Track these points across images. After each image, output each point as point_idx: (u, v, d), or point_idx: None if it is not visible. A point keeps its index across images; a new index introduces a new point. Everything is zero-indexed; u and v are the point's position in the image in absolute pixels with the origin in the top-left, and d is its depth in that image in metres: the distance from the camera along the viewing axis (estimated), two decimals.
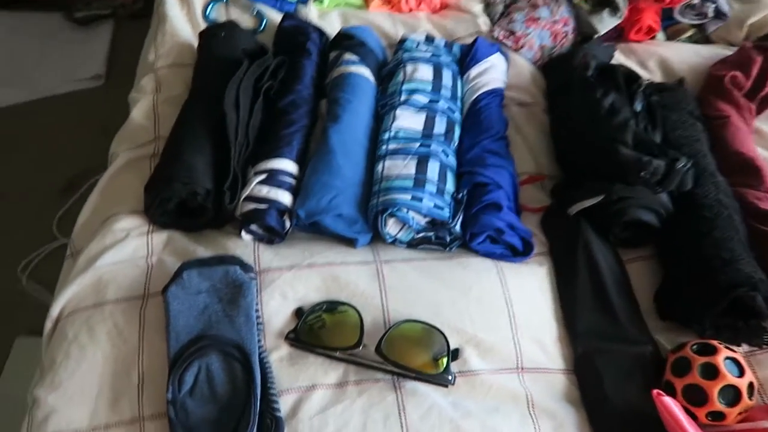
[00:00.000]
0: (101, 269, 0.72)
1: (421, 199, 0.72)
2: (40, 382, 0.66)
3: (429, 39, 0.92)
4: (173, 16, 0.97)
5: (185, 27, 0.97)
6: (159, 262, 0.73)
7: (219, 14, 1.00)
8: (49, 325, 0.72)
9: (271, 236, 0.74)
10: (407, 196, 0.71)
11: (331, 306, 0.68)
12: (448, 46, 0.93)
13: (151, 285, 0.71)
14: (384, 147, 0.78)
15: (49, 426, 0.62)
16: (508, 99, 0.92)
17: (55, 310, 0.72)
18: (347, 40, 0.90)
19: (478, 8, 1.02)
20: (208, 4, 0.99)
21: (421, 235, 0.73)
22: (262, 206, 0.72)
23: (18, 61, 1.73)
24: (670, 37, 1.05)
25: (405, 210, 0.71)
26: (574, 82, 0.84)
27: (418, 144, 0.77)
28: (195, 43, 0.93)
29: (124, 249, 0.74)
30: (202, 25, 0.97)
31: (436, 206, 0.72)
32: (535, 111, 0.93)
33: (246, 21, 0.99)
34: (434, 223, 0.73)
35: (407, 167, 0.74)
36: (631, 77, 0.85)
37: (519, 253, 0.74)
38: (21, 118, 1.64)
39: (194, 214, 0.75)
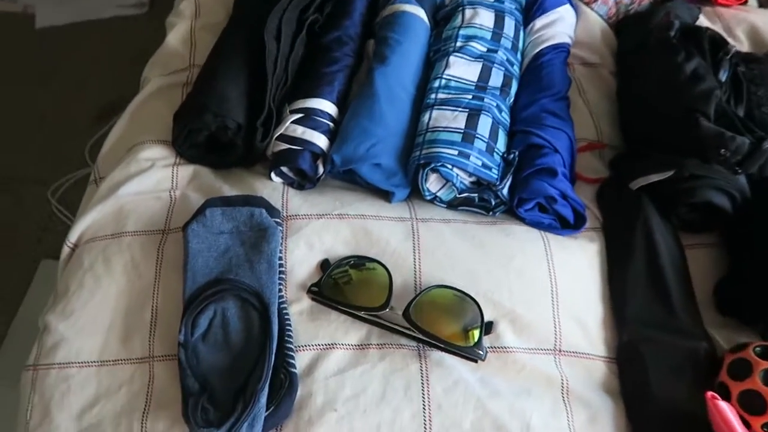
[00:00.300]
0: (123, 198, 0.69)
1: (468, 156, 0.65)
2: (52, 307, 0.63)
3: None
4: None
5: None
6: (182, 197, 0.69)
7: None
8: (66, 250, 0.69)
9: (302, 181, 0.69)
10: (453, 152, 0.65)
11: (360, 262, 0.63)
12: None
13: (172, 220, 0.67)
14: (433, 96, 0.71)
15: (58, 354, 0.60)
16: (573, 57, 0.84)
17: (73, 236, 0.69)
18: None
19: None
20: None
21: (464, 195, 0.67)
22: (296, 147, 0.67)
23: None
24: (764, 3, 0.94)
25: (450, 166, 0.65)
26: (653, 42, 0.75)
27: (470, 96, 0.70)
28: None
29: (148, 179, 0.70)
30: None
31: (484, 165, 0.66)
32: (602, 73, 0.84)
33: None
34: (480, 184, 0.67)
35: (456, 120, 0.68)
36: (717, 43, 0.76)
37: (569, 225, 0.68)
38: (62, 40, 1.62)
39: (223, 150, 0.71)
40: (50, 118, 1.50)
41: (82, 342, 0.61)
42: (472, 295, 0.61)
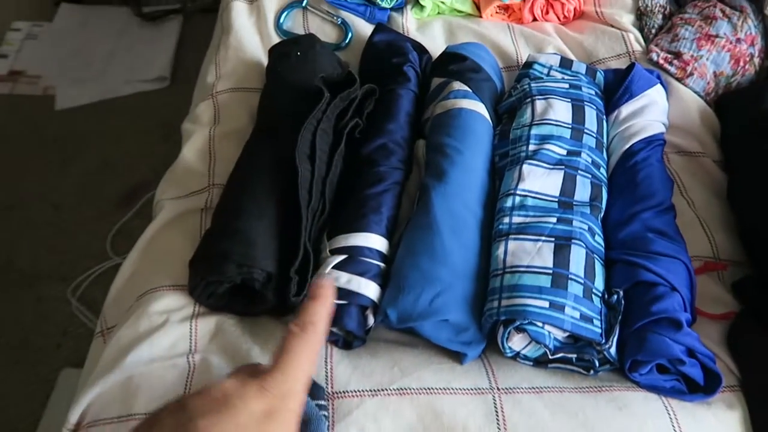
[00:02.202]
0: (131, 368, 0.56)
1: (562, 308, 0.50)
2: None
3: (565, 62, 0.69)
4: (240, 26, 0.79)
5: (253, 39, 0.79)
6: (202, 363, 0.56)
7: (295, 23, 0.81)
8: None
9: (348, 337, 0.55)
10: (543, 303, 0.50)
11: None
12: (590, 72, 0.69)
13: None
14: (506, 220, 0.57)
15: None
16: (666, 145, 0.69)
17: (73, 417, 0.56)
18: (456, 63, 0.69)
19: (627, 18, 0.78)
20: (282, 11, 0.81)
21: (558, 356, 0.52)
22: (339, 302, 0.53)
23: (84, 59, 1.63)
24: None
25: (540, 324, 0.50)
26: None
27: (554, 219, 0.56)
28: (265, 61, 0.74)
29: (162, 341, 0.57)
30: (275, 38, 0.79)
31: (582, 317, 0.51)
32: (705, 163, 0.69)
33: (328, 32, 0.79)
34: (577, 339, 0.52)
35: (541, 254, 0.53)
36: None
37: (697, 387, 0.52)
38: (82, 122, 1.54)
39: (251, 300, 0.57)
40: (66, 207, 1.42)
41: None
42: None
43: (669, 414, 0.50)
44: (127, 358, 0.56)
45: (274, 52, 0.71)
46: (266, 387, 0.33)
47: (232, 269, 0.54)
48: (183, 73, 1.59)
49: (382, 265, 0.56)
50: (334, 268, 0.55)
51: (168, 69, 1.55)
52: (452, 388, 0.52)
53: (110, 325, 0.64)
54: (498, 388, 0.52)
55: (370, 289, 0.54)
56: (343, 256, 0.55)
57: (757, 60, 0.72)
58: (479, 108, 0.65)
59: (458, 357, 0.54)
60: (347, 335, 0.55)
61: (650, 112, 0.66)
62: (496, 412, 0.50)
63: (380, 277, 0.56)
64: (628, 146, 0.64)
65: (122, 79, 1.55)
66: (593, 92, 0.67)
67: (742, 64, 0.71)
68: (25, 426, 1.12)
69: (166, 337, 0.57)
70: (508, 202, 0.58)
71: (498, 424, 0.50)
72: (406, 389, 0.51)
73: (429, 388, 0.51)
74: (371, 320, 0.55)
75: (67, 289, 1.28)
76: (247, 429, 0.31)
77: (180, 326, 0.58)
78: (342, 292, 0.54)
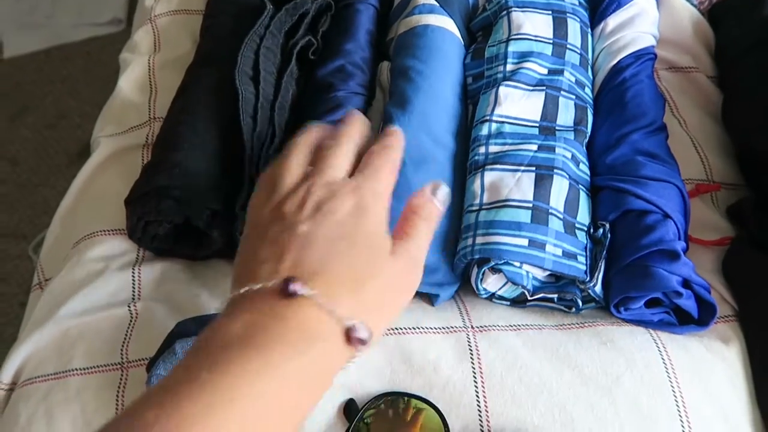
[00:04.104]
0: (67, 320, 0.50)
1: (543, 246, 0.45)
2: None
3: None
4: None
5: None
6: (146, 311, 0.50)
7: None
8: (0, 393, 0.51)
9: None
10: (522, 241, 0.45)
11: (397, 402, 0.44)
12: None
13: (130, 348, 0.48)
14: (481, 150, 0.50)
15: None
16: (657, 60, 0.62)
17: (6, 374, 0.51)
18: None
19: None
20: None
21: (538, 296, 0.47)
22: None
23: (30, 2, 1.51)
24: None
25: (517, 264, 0.45)
26: None
27: (535, 146, 0.49)
28: None
29: (100, 289, 0.51)
30: None
31: (565, 254, 0.45)
32: (699, 79, 0.62)
33: None
34: (559, 277, 0.47)
35: (520, 186, 0.47)
36: None
37: (689, 319, 0.47)
38: (35, 70, 1.44)
39: (197, 241, 0.51)
40: (26, 160, 1.34)
41: None
42: None
43: (658, 347, 0.46)
44: (60, 309, 0.50)
45: None
46: (359, 185, 0.35)
47: (171, 206, 0.48)
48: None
49: None
50: None
51: (123, 10, 1.44)
52: (422, 328, 0.47)
53: (48, 277, 0.58)
54: (472, 327, 0.47)
55: None
56: None
57: None
58: (448, 24, 0.58)
59: (429, 299, 0.49)
60: None
61: (640, 22, 0.59)
62: (470, 350, 0.46)
63: None
64: (615, 62, 0.57)
65: (72, 23, 1.44)
66: (576, 2, 0.60)
67: None
68: None
69: (105, 284, 0.52)
70: (484, 130, 0.52)
71: (472, 362, 0.45)
72: None
73: (397, 329, 0.47)
74: None
75: (29, 246, 1.21)
76: (344, 223, 0.33)
77: (120, 273, 0.52)
78: None
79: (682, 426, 0.43)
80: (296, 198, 0.34)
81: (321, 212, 0.33)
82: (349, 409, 0.44)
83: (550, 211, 0.46)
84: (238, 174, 0.49)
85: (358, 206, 0.34)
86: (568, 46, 0.56)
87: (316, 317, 0.30)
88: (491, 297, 0.49)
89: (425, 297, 0.49)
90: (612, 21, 0.59)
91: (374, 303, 0.33)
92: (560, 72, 0.54)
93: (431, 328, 0.47)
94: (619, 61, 0.57)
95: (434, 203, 0.38)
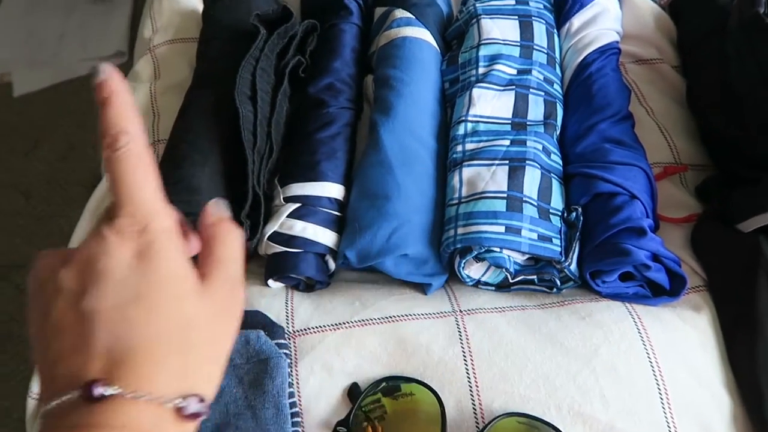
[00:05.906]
0: None
1: (519, 231, 0.49)
2: None
3: None
4: None
5: None
6: None
7: None
8: (31, 403, 0.55)
9: (310, 282, 0.54)
10: (499, 228, 0.49)
11: (395, 385, 0.48)
12: None
13: None
14: (459, 148, 0.55)
15: None
16: (623, 55, 0.66)
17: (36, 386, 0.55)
18: None
19: None
20: None
21: (520, 278, 0.51)
22: (295, 250, 0.52)
23: (37, 41, 1.58)
24: None
25: (497, 249, 0.49)
26: (736, 23, 0.57)
27: (508, 141, 0.54)
28: (200, 8, 0.71)
29: None
30: None
31: (541, 237, 0.49)
32: (663, 70, 0.67)
33: None
34: (537, 259, 0.51)
35: (495, 179, 0.51)
36: None
37: (662, 290, 0.51)
38: (45, 105, 1.50)
39: None
40: (40, 193, 1.39)
41: None
42: (553, 410, 0.45)
43: (633, 318, 0.50)
44: None
45: None
46: (121, 230, 0.28)
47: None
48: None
49: (339, 214, 0.55)
50: (288, 217, 0.53)
51: (125, 43, 1.50)
52: (414, 314, 0.51)
53: None
54: (460, 311, 0.51)
55: (327, 237, 0.53)
56: (297, 205, 0.53)
57: None
58: (424, 35, 0.63)
59: (422, 289, 0.53)
60: (308, 279, 0.54)
61: (602, 20, 0.63)
62: (459, 332, 0.50)
63: (337, 224, 0.54)
64: (581, 58, 0.61)
65: (78, 58, 1.50)
66: (541, 6, 0.64)
67: None
68: (18, 415, 1.12)
69: None
70: (460, 130, 0.56)
71: (461, 343, 0.49)
72: (367, 320, 0.50)
73: (390, 317, 0.51)
74: (332, 264, 0.54)
75: None
76: (128, 281, 0.27)
77: None
78: (298, 242, 0.52)
79: (659, 389, 0.47)
80: (72, 266, 0.28)
81: (92, 279, 0.27)
82: (353, 392, 0.48)
83: (524, 199, 0.50)
84: (238, 187, 0.54)
85: (138, 253, 0.28)
86: (535, 47, 0.60)
87: (137, 411, 0.26)
88: (477, 284, 0.53)
89: (418, 287, 0.53)
90: (576, 20, 0.63)
91: (197, 359, 0.28)
92: (528, 71, 0.58)
93: (422, 314, 0.51)
94: (585, 57, 0.61)
95: (220, 214, 0.33)
